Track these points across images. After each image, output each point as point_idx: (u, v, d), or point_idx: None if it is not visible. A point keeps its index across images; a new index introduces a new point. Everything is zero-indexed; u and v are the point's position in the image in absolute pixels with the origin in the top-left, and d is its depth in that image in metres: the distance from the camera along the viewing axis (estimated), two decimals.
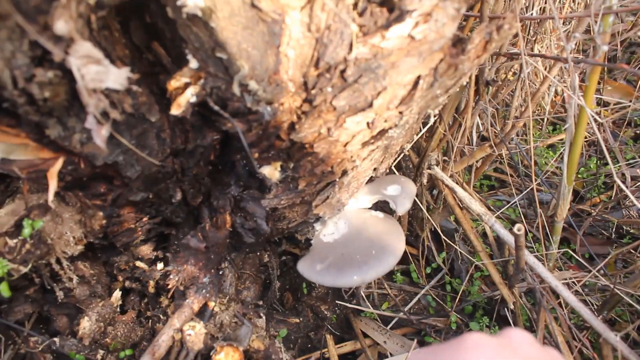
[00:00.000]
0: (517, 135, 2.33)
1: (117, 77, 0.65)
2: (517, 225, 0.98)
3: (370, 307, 1.54)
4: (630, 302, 1.34)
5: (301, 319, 1.59)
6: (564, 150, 1.23)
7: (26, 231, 0.92)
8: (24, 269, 0.95)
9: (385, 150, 1.03)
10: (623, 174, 2.35)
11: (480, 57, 0.80)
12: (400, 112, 0.83)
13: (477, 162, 1.47)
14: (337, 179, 1.00)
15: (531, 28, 1.69)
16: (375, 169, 1.14)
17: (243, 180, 1.04)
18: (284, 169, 0.96)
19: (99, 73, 0.64)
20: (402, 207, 1.09)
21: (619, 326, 1.54)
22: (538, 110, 2.85)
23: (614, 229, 2.23)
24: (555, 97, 2.87)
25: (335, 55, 0.72)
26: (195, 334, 1.03)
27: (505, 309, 1.43)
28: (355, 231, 1.08)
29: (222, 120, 0.85)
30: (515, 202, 1.71)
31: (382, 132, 0.89)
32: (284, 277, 1.71)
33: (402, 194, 1.10)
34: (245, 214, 1.06)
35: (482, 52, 0.79)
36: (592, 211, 2.32)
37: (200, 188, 1.08)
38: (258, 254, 1.33)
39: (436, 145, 1.35)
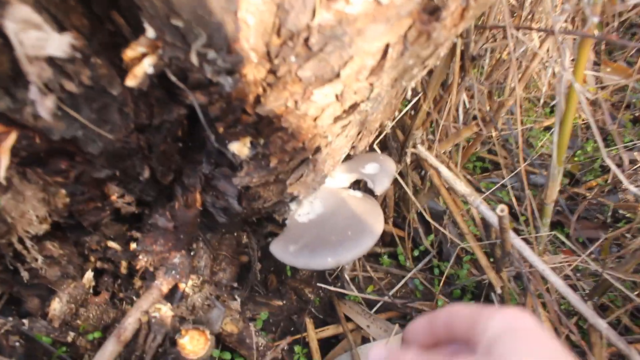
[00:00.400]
0: (511, 114, 2.28)
1: (59, 43, 0.62)
2: (500, 206, 0.95)
3: (355, 290, 1.51)
4: (620, 287, 1.30)
5: (284, 302, 1.56)
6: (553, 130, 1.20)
7: None
8: None
9: (362, 127, 0.99)
10: (620, 157, 2.31)
11: (457, 26, 0.76)
12: (371, 84, 0.79)
13: (466, 142, 1.43)
14: (310, 156, 0.96)
15: (526, 4, 1.64)
16: (353, 147, 1.11)
17: (214, 157, 1.01)
18: (254, 145, 0.92)
19: (39, 39, 0.61)
20: (380, 186, 1.05)
21: (611, 312, 1.51)
22: (534, 91, 2.80)
23: (610, 213, 2.20)
24: (552, 77, 2.82)
25: (297, 22, 0.67)
26: (161, 316, 1.00)
27: (493, 293, 1.40)
28: (332, 211, 1.05)
29: (183, 94, 0.81)
30: (506, 184, 1.67)
31: (354, 106, 0.85)
32: (268, 259, 1.68)
33: (381, 172, 1.07)
34: (217, 193, 1.03)
35: (459, 21, 0.75)
36: (588, 194, 2.28)
37: (170, 166, 1.04)
38: (235, 234, 1.30)
39: (421, 123, 1.30)
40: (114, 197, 1.04)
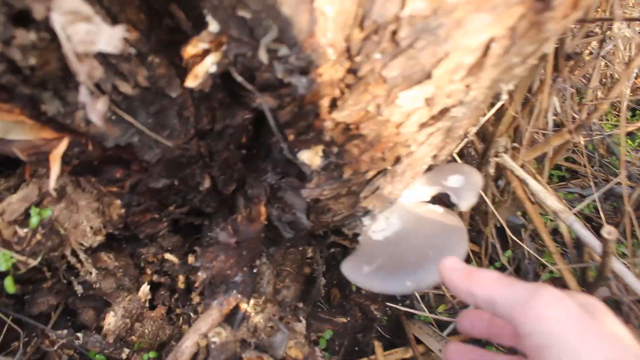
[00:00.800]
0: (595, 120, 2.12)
1: (110, 37, 0.53)
2: (608, 228, 0.82)
3: (425, 309, 1.40)
4: None
5: (349, 319, 1.46)
6: None
7: (33, 220, 0.82)
8: (33, 262, 0.86)
9: (447, 134, 0.88)
10: None
11: (568, 17, 0.64)
12: (467, 86, 0.68)
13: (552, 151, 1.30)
14: (389, 167, 0.86)
15: None
16: (434, 156, 1.00)
17: (281, 166, 0.92)
18: (326, 154, 0.83)
19: (89, 33, 0.52)
20: (466, 202, 0.93)
21: None
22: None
23: None
24: (636, 79, 2.63)
25: (384, 11, 0.57)
26: (221, 342, 0.91)
27: None
28: (411, 228, 0.94)
29: (250, 96, 0.72)
30: (593, 196, 1.52)
31: (444, 111, 0.74)
32: (331, 271, 1.59)
33: (466, 185, 0.95)
34: (283, 205, 0.94)
35: (571, 10, 0.63)
36: None
37: (232, 175, 0.96)
38: (300, 248, 1.21)
39: (505, 129, 1.18)
40: (171, 208, 0.96)
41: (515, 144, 1.21)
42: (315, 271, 1.30)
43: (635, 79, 2.67)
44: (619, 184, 2.15)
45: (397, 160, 0.85)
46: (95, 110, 0.57)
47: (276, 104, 0.70)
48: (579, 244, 1.14)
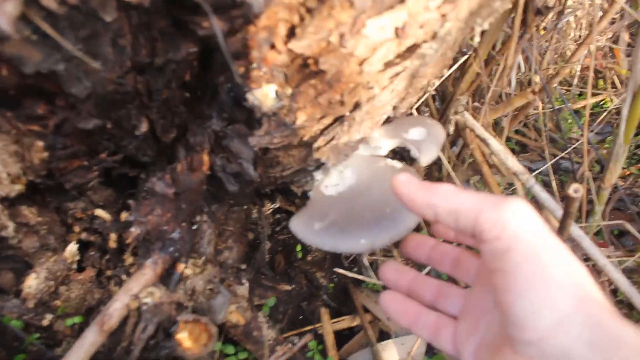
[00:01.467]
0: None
1: None
2: (575, 186, 0.77)
3: (375, 277, 1.34)
4: None
5: (293, 287, 1.39)
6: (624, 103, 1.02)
7: None
8: None
9: (411, 81, 0.81)
10: None
11: None
12: (443, 15, 0.61)
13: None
14: (348, 113, 0.78)
15: None
16: (394, 108, 0.93)
17: (227, 111, 0.83)
18: (279, 96, 0.75)
19: None
20: (427, 156, 0.87)
21: None
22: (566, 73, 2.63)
23: None
24: (586, 58, 2.64)
25: None
26: (154, 302, 0.82)
27: None
28: (366, 183, 0.87)
29: (197, 20, 0.63)
30: (545, 166, 1.49)
31: (414, 48, 0.67)
32: (276, 237, 1.51)
33: (428, 139, 0.89)
34: (228, 155, 0.85)
35: None
36: (622, 183, 2.13)
37: (173, 119, 0.87)
38: (245, 207, 1.12)
39: (467, 87, 1.13)
40: (103, 155, 0.86)
41: (477, 105, 1.16)
42: (260, 234, 1.22)
43: (586, 57, 2.68)
44: (565, 158, 2.17)
45: (357, 106, 0.78)
46: (3, 11, 0.47)
47: (226, 28, 0.62)
48: (537, 208, 1.10)
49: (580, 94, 2.67)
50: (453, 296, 0.69)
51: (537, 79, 1.23)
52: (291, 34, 0.63)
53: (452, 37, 0.68)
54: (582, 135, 2.35)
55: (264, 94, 0.74)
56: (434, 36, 0.65)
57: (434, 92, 1.20)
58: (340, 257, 1.45)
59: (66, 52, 0.64)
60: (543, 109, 1.99)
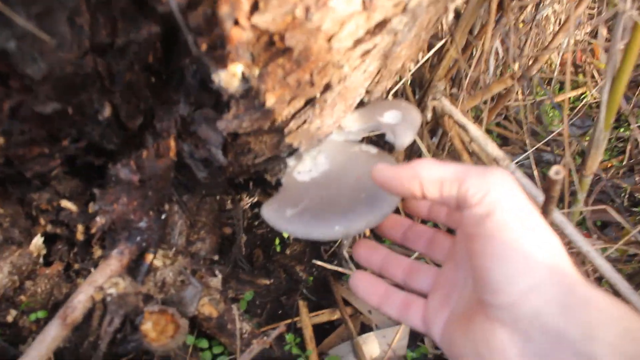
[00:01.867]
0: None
1: None
2: (555, 168, 0.75)
3: (354, 269, 1.31)
4: None
5: (272, 280, 1.37)
6: (603, 81, 1.00)
7: None
8: None
9: (384, 62, 0.79)
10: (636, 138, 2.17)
11: None
12: None
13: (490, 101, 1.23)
14: (318, 95, 0.76)
15: None
16: (368, 92, 0.90)
17: (194, 94, 0.80)
18: (245, 77, 0.72)
19: None
20: (403, 139, 0.84)
21: None
22: (545, 66, 2.62)
23: (626, 196, 2.07)
24: (564, 55, 2.64)
25: None
26: (119, 293, 0.79)
27: None
28: (340, 169, 0.84)
29: None
30: (530, 158, 1.47)
31: (383, 23, 0.64)
32: (255, 232, 1.48)
33: (404, 122, 0.86)
34: (196, 141, 0.82)
35: None
36: (604, 175, 2.12)
37: (138, 105, 0.83)
38: (218, 198, 1.09)
39: (444, 73, 1.10)
40: (65, 142, 0.83)
41: (454, 91, 1.13)
42: (235, 227, 1.19)
43: (564, 54, 2.68)
44: (544, 150, 2.16)
45: (328, 87, 0.75)
46: None
47: (185, 1, 0.58)
48: None
49: (561, 88, 2.67)
50: (424, 273, 0.71)
51: (515, 66, 1.21)
52: (255, 8, 0.60)
53: (424, 11, 0.66)
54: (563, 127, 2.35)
55: (230, 74, 0.71)
56: (404, 9, 0.62)
57: (410, 79, 1.18)
58: (319, 249, 1.42)
59: (18, 29, 0.61)
60: (524, 101, 1.98)
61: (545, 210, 0.91)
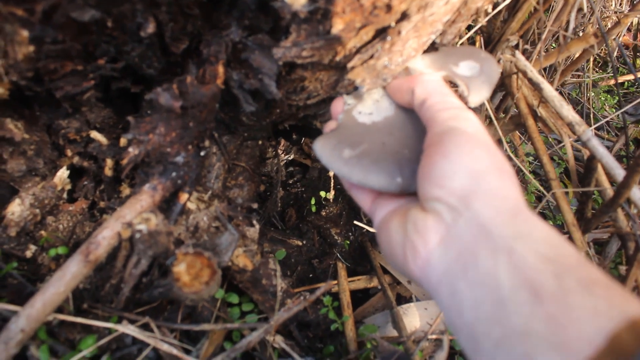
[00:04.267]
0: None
1: None
2: None
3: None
4: None
5: (304, 242, 1.28)
6: None
7: None
8: None
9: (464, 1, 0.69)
10: None
11: None
12: None
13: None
14: (393, 24, 0.66)
15: None
16: (442, 33, 0.80)
17: (250, 17, 0.71)
18: None
19: None
20: (478, 95, 0.74)
21: None
22: (601, 51, 2.49)
23: None
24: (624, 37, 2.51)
25: None
26: (150, 231, 0.70)
27: None
28: (405, 117, 0.75)
29: None
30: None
31: None
32: (289, 191, 1.40)
33: (481, 75, 0.76)
34: (247, 69, 0.73)
35: None
36: None
37: (185, 25, 0.74)
38: (260, 143, 1.00)
39: (518, 27, 0.99)
40: (101, 61, 0.74)
41: (527, 48, 1.02)
42: (273, 179, 1.10)
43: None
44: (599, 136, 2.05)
45: (405, 16, 0.66)
46: None
47: None
48: (588, 168, 0.97)
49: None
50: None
51: (590, 28, 1.09)
52: None
53: None
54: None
55: None
56: None
57: (479, 31, 1.07)
58: (360, 213, 1.33)
59: None
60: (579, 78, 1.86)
61: (624, 184, 0.81)
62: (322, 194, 1.31)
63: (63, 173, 0.93)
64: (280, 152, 1.36)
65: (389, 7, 0.63)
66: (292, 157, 1.44)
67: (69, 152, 0.93)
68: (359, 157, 0.68)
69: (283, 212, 1.36)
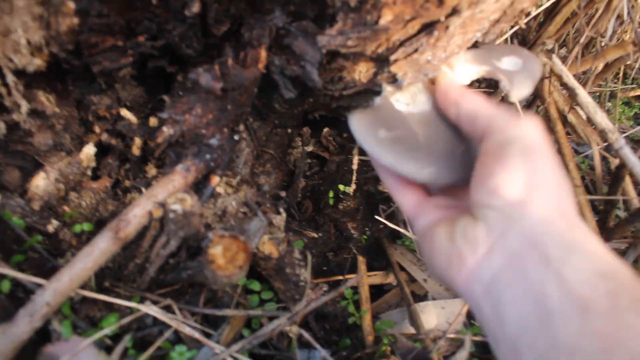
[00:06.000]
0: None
1: None
2: None
3: (412, 234, 1.22)
4: None
5: (320, 234, 1.27)
6: None
7: None
8: None
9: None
10: None
11: None
12: None
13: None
14: (442, 19, 0.65)
15: None
16: (486, 32, 0.80)
17: (295, 3, 0.70)
18: None
19: None
20: (520, 90, 0.74)
21: None
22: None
23: None
24: None
25: None
26: (185, 211, 0.70)
27: None
28: (440, 114, 0.74)
29: None
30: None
31: None
32: (306, 181, 1.39)
33: (524, 71, 0.75)
34: (289, 56, 0.72)
35: None
36: None
37: (229, 7, 0.73)
38: (289, 132, 0.99)
39: (555, 30, 0.98)
40: (141, 38, 0.73)
41: (562, 52, 1.02)
42: (296, 168, 1.09)
43: None
44: None
45: (455, 11, 0.65)
46: None
47: None
48: (616, 177, 0.97)
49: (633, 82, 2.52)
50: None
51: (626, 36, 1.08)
52: None
53: None
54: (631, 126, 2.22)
55: None
56: None
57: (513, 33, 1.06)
58: (377, 208, 1.33)
59: None
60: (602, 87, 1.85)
61: None
62: (341, 187, 1.30)
63: (90, 149, 0.92)
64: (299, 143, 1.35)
65: (440, 1, 0.62)
66: (310, 149, 1.44)
67: (97, 129, 0.92)
68: (393, 140, 0.68)
69: (299, 203, 1.36)
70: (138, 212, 0.71)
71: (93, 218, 0.93)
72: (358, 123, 0.70)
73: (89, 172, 0.96)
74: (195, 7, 0.69)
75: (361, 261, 1.16)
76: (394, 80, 0.75)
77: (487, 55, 0.78)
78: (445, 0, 0.62)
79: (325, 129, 1.37)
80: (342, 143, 1.45)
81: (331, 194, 1.31)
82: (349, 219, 1.29)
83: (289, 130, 0.97)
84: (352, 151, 1.38)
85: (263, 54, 0.71)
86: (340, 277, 1.15)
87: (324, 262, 1.24)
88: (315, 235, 1.26)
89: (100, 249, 0.68)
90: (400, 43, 0.70)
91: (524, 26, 0.96)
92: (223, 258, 0.68)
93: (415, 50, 0.70)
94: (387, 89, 0.75)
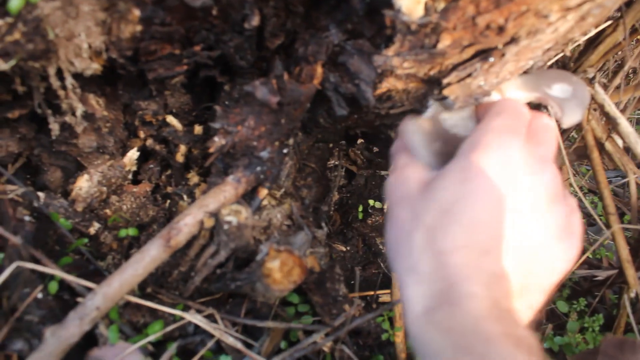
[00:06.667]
0: None
1: None
2: None
3: None
4: None
5: (348, 248, 1.27)
6: None
7: (14, 3, 0.59)
8: (4, 65, 0.63)
9: (577, 24, 0.68)
10: None
11: None
12: None
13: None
14: (500, 46, 0.65)
15: None
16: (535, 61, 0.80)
17: (354, 21, 0.71)
18: (428, 9, 0.62)
19: None
20: (571, 117, 0.74)
21: None
22: None
23: None
24: None
25: None
26: (239, 223, 0.70)
27: (622, 295, 1.10)
28: None
29: None
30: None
31: None
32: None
33: (574, 98, 0.75)
34: (343, 73, 0.73)
35: None
36: None
37: (285, 22, 0.74)
38: (330, 146, 1.00)
39: (597, 59, 0.99)
40: (197, 47, 0.74)
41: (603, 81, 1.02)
42: (330, 182, 1.10)
43: None
44: None
45: (514, 39, 0.65)
46: None
47: None
48: None
49: None
50: None
51: None
52: None
53: None
54: None
55: (414, 2, 0.62)
56: None
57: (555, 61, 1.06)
58: None
59: None
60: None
61: None
62: (371, 202, 1.31)
63: (133, 154, 0.93)
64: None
65: (501, 29, 0.63)
66: (336, 162, 1.44)
67: (141, 134, 0.93)
68: (443, 154, 0.68)
69: (328, 215, 1.36)
70: (189, 221, 0.71)
71: (133, 222, 0.94)
72: (416, 128, 0.70)
73: (130, 176, 0.97)
74: (255, 21, 0.70)
75: (395, 277, 1.16)
76: (443, 98, 0.76)
77: (537, 81, 0.78)
78: (506, 29, 0.62)
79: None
80: (369, 157, 1.45)
81: (360, 208, 1.32)
82: (378, 234, 1.29)
83: (330, 145, 0.98)
84: (380, 166, 1.39)
85: (319, 70, 0.72)
86: (371, 293, 1.15)
87: (352, 276, 1.24)
88: (343, 248, 1.26)
89: (150, 256, 0.69)
90: (452, 67, 0.70)
91: (569, 54, 0.97)
92: (280, 272, 0.69)
93: (469, 75, 0.71)
94: (435, 106, 0.75)
